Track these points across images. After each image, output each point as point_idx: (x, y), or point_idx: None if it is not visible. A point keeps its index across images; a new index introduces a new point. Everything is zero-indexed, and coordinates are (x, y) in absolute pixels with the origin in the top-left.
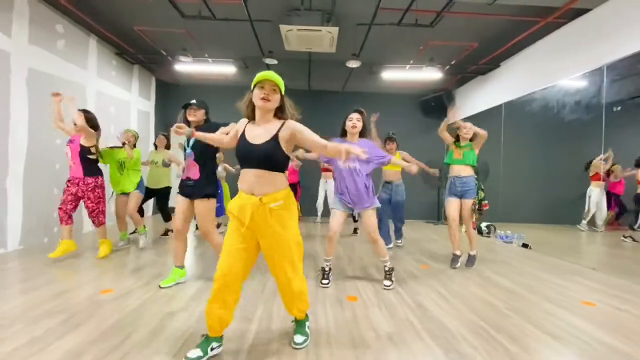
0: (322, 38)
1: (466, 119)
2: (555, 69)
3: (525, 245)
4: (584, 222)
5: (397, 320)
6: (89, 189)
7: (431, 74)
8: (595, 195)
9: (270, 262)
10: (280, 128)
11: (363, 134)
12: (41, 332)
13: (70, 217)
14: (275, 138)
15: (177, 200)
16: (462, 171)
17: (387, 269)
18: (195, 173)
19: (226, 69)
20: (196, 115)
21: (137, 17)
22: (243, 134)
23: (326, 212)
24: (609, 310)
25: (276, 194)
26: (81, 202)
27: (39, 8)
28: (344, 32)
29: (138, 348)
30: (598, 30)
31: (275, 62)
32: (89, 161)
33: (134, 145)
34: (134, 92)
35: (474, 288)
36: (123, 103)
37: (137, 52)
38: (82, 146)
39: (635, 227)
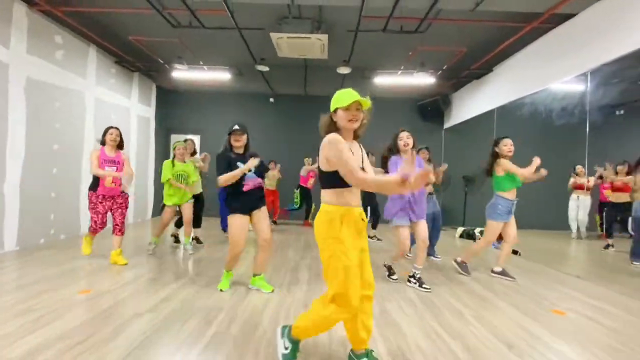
0: (313, 45)
1: (461, 124)
2: (543, 74)
3: (515, 252)
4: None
5: None
6: (124, 201)
7: (424, 79)
8: (574, 203)
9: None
10: (361, 151)
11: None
12: (13, 328)
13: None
14: (363, 161)
15: (237, 220)
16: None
17: (418, 276)
18: (259, 185)
19: (221, 76)
20: (241, 140)
21: (132, 27)
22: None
23: None
24: (577, 319)
25: None
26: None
27: (38, 20)
28: (335, 38)
29: (96, 346)
30: (582, 36)
31: (267, 69)
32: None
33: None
34: (134, 99)
35: (447, 295)
36: (123, 109)
37: (135, 60)
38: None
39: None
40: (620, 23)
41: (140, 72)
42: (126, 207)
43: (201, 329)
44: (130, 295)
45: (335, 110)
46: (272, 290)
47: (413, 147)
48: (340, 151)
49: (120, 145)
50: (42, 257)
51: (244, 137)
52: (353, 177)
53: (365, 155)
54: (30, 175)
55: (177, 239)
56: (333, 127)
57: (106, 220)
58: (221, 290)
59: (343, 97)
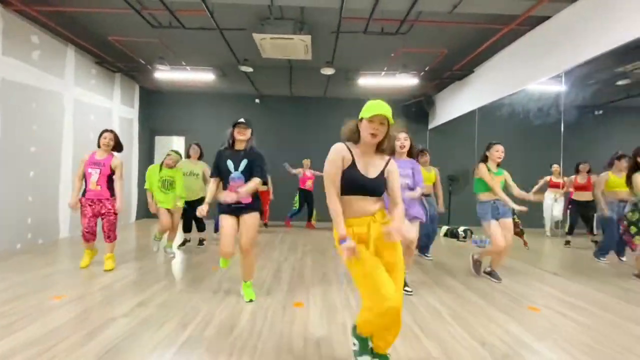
0: (296, 46)
1: (445, 124)
2: (521, 75)
3: None
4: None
5: (333, 325)
6: (113, 206)
7: (407, 80)
8: (550, 202)
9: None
10: (385, 166)
11: (410, 153)
12: None
13: (94, 234)
14: (382, 174)
15: (223, 221)
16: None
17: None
18: (247, 197)
19: (205, 77)
20: (245, 134)
21: (111, 27)
22: (354, 163)
23: None
24: (551, 316)
25: (383, 211)
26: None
27: (13, 20)
28: (319, 40)
29: (66, 352)
30: (556, 38)
31: (250, 69)
32: (112, 182)
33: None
34: (116, 100)
35: (426, 294)
36: (104, 110)
37: (116, 60)
38: (112, 169)
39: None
40: (593, 25)
41: (122, 72)
42: (115, 214)
43: (176, 333)
44: (105, 299)
45: (361, 120)
46: (250, 300)
47: (411, 148)
48: (328, 162)
49: (115, 148)
50: (18, 262)
51: (248, 131)
52: (327, 195)
53: (390, 169)
54: (5, 178)
55: (201, 242)
56: (355, 135)
57: (95, 226)
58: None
59: (369, 108)
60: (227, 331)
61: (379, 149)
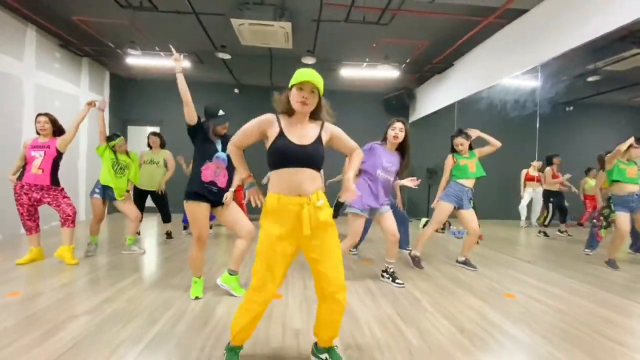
0: (276, 33)
1: (425, 117)
2: (499, 69)
3: None
4: (528, 220)
5: (312, 316)
6: (61, 196)
7: (389, 72)
8: (528, 195)
9: (315, 266)
10: (320, 130)
11: (402, 146)
12: None
13: (36, 223)
14: (319, 140)
15: (194, 209)
16: (472, 184)
17: (391, 271)
18: (223, 181)
19: None
20: (226, 128)
21: (75, 7)
22: (282, 133)
23: None
24: (526, 302)
25: (319, 192)
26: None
27: None
28: (300, 27)
29: (18, 353)
30: (534, 31)
31: (228, 56)
32: (56, 169)
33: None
34: (83, 86)
35: (406, 284)
36: (69, 97)
37: (82, 44)
38: (58, 152)
39: (546, 222)
40: (569, 17)
41: (89, 57)
42: (67, 199)
43: (143, 329)
44: (67, 296)
45: (291, 88)
46: (225, 286)
47: (405, 141)
48: (250, 121)
49: (57, 132)
50: None
51: (226, 124)
52: (231, 141)
53: (329, 132)
54: None
55: (169, 235)
56: (287, 105)
57: (36, 214)
58: (197, 297)
59: (298, 75)
60: (200, 325)
61: (312, 118)
